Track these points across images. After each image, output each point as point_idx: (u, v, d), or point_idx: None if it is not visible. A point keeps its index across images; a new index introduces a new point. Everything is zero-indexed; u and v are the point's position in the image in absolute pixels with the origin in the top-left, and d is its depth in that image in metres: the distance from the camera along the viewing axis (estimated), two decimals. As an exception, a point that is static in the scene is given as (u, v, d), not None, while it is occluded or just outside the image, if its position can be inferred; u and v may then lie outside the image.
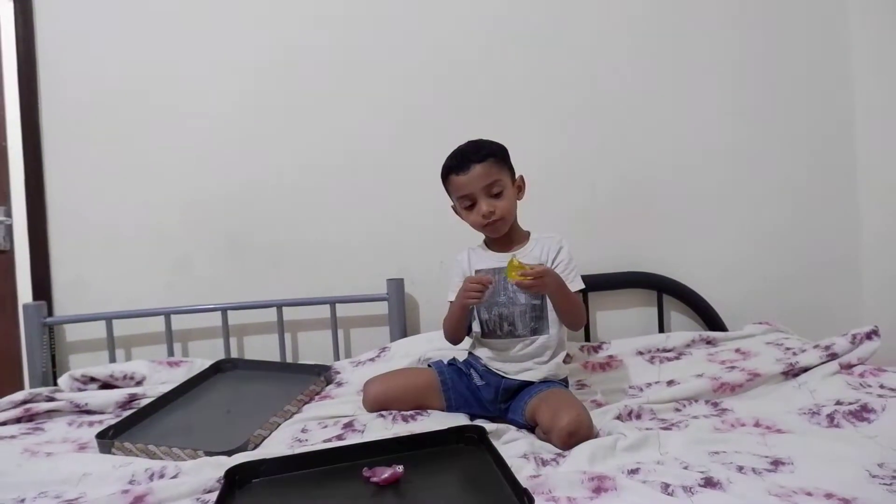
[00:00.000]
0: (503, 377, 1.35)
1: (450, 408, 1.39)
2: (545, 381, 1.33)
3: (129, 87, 1.81)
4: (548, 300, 1.33)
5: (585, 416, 1.19)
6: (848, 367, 1.38)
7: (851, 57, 1.95)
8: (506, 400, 1.35)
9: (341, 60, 1.85)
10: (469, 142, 1.38)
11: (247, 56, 1.84)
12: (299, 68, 1.85)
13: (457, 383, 1.40)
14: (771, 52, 1.93)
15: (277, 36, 1.84)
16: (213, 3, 1.82)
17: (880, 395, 1.23)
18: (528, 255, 1.36)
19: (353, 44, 1.85)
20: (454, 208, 1.41)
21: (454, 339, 1.42)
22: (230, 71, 1.84)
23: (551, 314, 1.34)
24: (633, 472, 0.99)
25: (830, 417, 1.17)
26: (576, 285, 1.35)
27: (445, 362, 1.48)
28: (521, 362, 1.35)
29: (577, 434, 1.14)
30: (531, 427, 1.28)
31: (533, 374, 1.34)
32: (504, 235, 1.39)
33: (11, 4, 1.78)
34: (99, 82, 1.81)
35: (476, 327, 1.40)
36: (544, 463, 1.07)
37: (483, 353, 1.40)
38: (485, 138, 1.38)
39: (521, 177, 1.40)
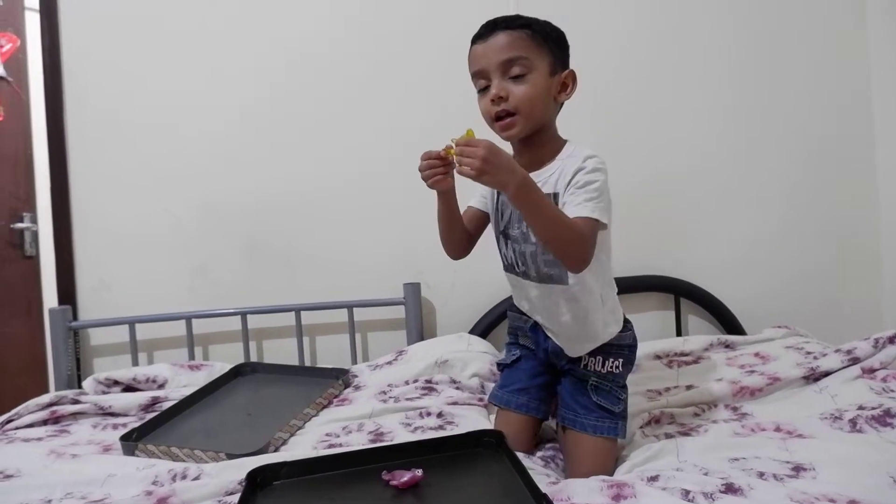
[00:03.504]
0: (549, 338, 1.20)
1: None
2: (600, 382, 1.15)
3: (151, 95, 1.84)
4: None
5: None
6: (870, 371, 1.36)
7: (868, 48, 1.92)
8: (559, 360, 1.19)
9: (359, 67, 1.87)
10: None
11: (267, 65, 1.86)
12: (318, 77, 1.87)
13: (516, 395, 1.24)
14: (784, 47, 1.91)
15: (296, 44, 1.86)
16: (233, 14, 1.85)
17: (904, 400, 1.21)
18: (545, 176, 1.09)
19: (371, 51, 1.87)
20: None
21: (448, 245, 1.22)
22: (251, 80, 1.86)
23: None
24: (653, 479, 0.98)
25: (853, 422, 1.15)
26: (584, 211, 1.00)
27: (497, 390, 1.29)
28: (555, 318, 1.14)
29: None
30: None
31: (573, 346, 1.16)
32: (530, 148, 1.08)
33: (38, 16, 1.83)
34: (122, 91, 1.84)
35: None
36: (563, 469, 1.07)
37: (523, 305, 1.22)
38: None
39: (573, 72, 1.08)
